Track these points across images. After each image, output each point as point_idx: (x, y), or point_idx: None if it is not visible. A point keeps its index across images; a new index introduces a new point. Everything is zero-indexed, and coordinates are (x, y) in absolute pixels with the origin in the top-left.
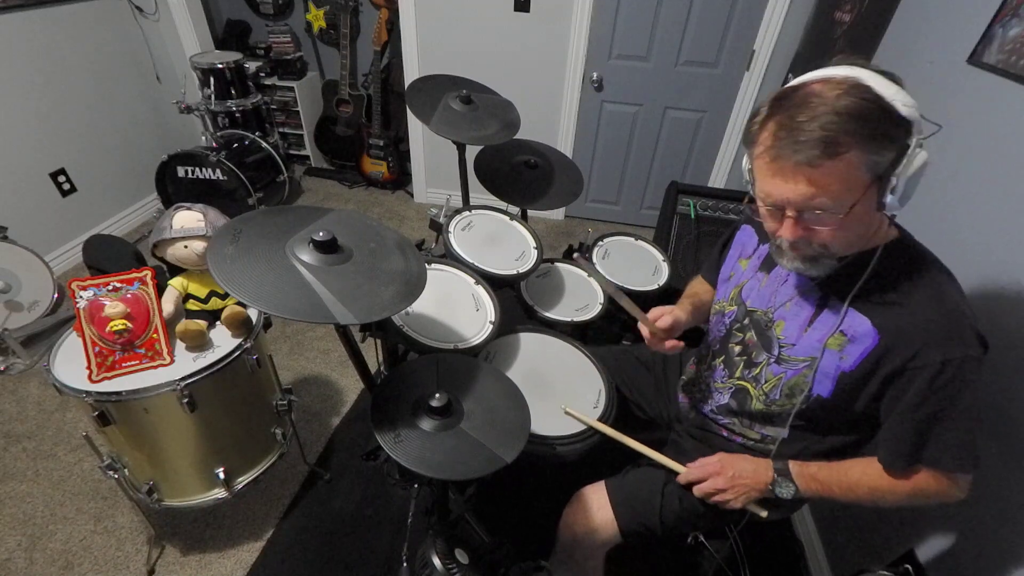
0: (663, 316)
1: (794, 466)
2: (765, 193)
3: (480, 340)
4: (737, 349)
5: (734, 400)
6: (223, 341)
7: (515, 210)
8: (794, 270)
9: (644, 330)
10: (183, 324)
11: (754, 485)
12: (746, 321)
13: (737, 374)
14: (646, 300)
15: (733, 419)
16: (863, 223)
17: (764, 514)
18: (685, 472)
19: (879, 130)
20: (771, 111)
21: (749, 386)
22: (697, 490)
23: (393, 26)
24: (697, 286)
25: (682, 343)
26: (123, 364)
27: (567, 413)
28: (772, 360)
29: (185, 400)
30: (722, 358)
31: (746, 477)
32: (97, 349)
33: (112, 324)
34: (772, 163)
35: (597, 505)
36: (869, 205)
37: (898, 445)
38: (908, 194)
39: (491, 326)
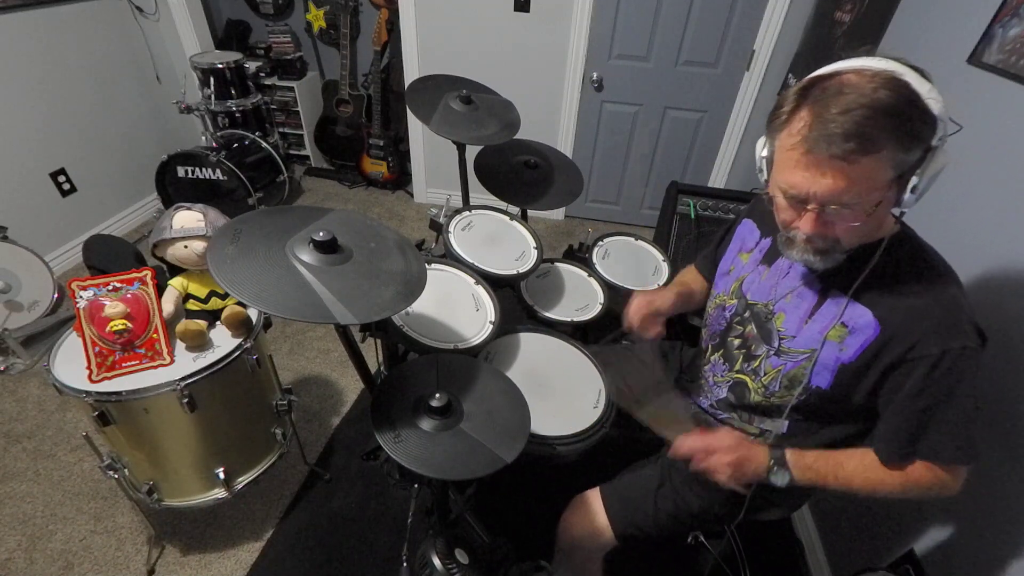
0: (640, 309)
1: (791, 454)
2: (789, 184)
3: (480, 340)
4: (736, 343)
5: (732, 394)
6: (223, 341)
7: (515, 210)
8: (803, 262)
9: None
10: (183, 324)
11: (753, 471)
12: (746, 314)
13: (736, 367)
14: None
15: (732, 414)
16: (879, 220)
17: (746, 492)
18: (690, 441)
19: (912, 128)
20: (800, 99)
21: (748, 379)
22: (696, 462)
23: (393, 26)
24: (688, 275)
25: (662, 329)
26: (123, 364)
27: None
28: (771, 352)
29: (185, 400)
30: (721, 352)
31: (750, 462)
32: (97, 349)
33: (112, 324)
34: (805, 155)
35: (594, 509)
36: (890, 203)
37: (895, 437)
38: (924, 192)
39: (491, 326)
